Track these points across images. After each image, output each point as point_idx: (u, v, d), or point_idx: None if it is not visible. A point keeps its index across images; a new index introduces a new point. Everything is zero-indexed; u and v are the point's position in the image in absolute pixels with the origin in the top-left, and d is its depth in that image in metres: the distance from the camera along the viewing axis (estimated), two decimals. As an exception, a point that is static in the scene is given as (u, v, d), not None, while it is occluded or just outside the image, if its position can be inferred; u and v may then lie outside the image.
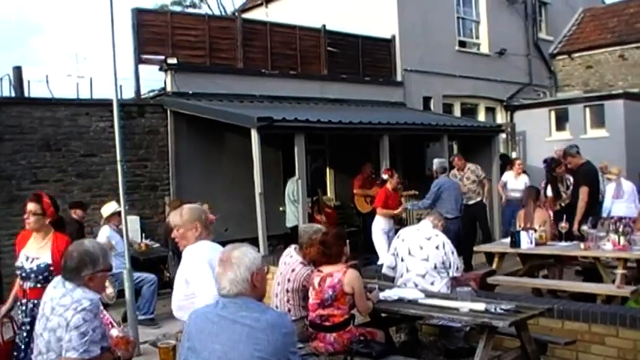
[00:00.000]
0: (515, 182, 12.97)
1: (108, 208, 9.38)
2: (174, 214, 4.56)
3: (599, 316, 6.27)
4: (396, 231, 8.65)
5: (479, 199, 12.19)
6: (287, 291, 6.13)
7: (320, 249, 5.83)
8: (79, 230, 9.46)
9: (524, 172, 13.45)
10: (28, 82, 12.00)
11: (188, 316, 3.24)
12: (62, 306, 3.72)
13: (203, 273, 4.13)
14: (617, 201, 11.00)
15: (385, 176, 11.25)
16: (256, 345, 2.94)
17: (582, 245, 8.21)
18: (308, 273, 6.05)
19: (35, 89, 12.00)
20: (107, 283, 9.67)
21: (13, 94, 11.71)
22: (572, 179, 10.42)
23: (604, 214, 10.77)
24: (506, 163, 15.27)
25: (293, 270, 6.16)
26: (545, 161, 11.54)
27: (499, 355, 5.80)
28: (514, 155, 17.88)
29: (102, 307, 3.97)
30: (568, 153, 10.14)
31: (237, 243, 3.25)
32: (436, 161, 11.99)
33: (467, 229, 11.75)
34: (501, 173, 14.10)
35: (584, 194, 9.54)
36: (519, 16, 20.31)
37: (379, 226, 10.89)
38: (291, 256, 6.37)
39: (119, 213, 8.44)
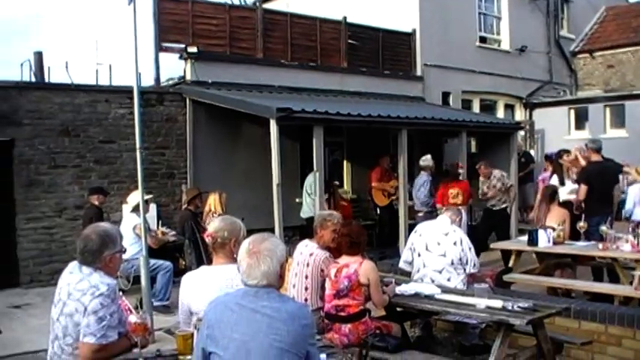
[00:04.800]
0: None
1: (137, 197, 9.19)
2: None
3: (616, 318, 6.24)
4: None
5: (503, 206, 11.82)
6: (306, 277, 6.13)
7: (346, 240, 5.82)
8: (99, 215, 9.50)
9: None
10: (49, 68, 12.01)
11: (208, 303, 3.24)
12: (79, 291, 3.73)
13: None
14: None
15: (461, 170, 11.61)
16: (276, 335, 2.94)
17: (600, 245, 8.11)
18: (326, 256, 6.09)
19: (55, 75, 11.99)
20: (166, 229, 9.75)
21: (33, 80, 11.74)
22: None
23: (626, 215, 10.50)
24: (530, 161, 15.17)
25: (311, 254, 6.19)
26: None
27: (515, 353, 5.77)
28: (532, 153, 17.77)
29: (120, 293, 3.98)
30: (588, 145, 10.09)
31: (264, 233, 3.27)
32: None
33: (482, 230, 11.77)
34: (520, 172, 13.98)
35: (580, 192, 9.53)
36: (541, 13, 20.17)
37: None
38: (306, 245, 6.39)
39: (147, 201, 8.43)
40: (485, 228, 11.85)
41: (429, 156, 12.33)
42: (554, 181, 10.82)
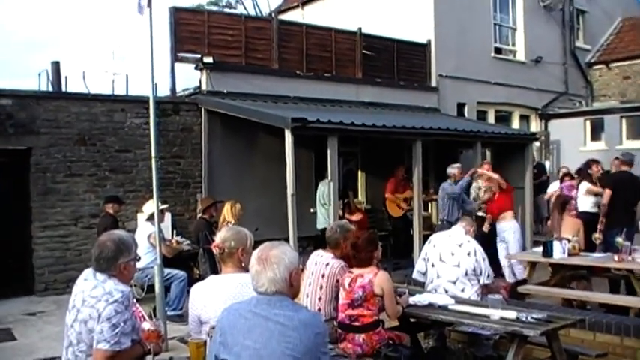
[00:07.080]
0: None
1: (152, 206, 9.19)
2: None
3: (631, 330, 6.20)
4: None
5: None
6: (320, 287, 6.12)
7: (351, 252, 5.83)
8: (114, 224, 9.54)
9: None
10: (66, 77, 12.13)
11: (221, 310, 3.25)
12: (94, 297, 3.76)
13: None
14: None
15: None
16: (288, 343, 2.94)
17: (616, 257, 8.05)
18: (342, 266, 6.06)
19: (72, 85, 12.13)
20: (180, 239, 9.91)
21: (50, 89, 11.84)
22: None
23: None
24: (542, 172, 15.10)
25: (327, 264, 6.17)
26: None
27: (528, 364, 5.75)
28: (547, 164, 17.71)
29: (134, 300, 4.00)
30: (619, 157, 10.13)
31: (274, 241, 3.26)
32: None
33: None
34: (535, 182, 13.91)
35: (605, 197, 9.51)
36: (556, 23, 20.14)
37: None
38: (321, 255, 6.37)
39: (162, 210, 8.46)
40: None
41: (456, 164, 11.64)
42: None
